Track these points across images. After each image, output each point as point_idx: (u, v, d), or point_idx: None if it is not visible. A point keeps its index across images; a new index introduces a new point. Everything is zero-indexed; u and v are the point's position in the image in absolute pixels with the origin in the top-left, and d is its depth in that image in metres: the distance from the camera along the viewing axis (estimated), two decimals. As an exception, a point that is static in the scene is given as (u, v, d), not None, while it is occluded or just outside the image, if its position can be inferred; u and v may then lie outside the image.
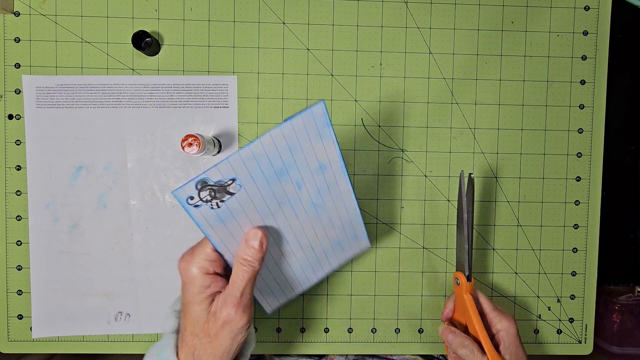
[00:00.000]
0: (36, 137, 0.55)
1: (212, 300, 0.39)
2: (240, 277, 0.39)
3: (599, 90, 0.58)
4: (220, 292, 0.39)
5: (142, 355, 0.59)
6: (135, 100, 0.56)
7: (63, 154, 0.56)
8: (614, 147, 0.60)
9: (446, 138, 0.58)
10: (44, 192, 0.56)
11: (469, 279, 0.51)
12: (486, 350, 0.48)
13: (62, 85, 0.55)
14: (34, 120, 0.55)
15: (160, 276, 0.57)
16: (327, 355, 0.62)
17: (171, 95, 0.56)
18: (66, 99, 0.55)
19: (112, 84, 0.55)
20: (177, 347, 0.40)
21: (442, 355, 0.65)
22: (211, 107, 0.56)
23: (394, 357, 0.62)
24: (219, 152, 0.56)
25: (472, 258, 0.53)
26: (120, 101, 0.56)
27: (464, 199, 0.50)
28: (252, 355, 0.63)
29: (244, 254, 0.39)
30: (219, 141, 0.55)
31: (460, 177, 0.50)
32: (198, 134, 0.49)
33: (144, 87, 0.56)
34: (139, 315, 0.57)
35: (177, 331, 0.42)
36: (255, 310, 0.57)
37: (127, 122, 0.56)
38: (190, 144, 0.49)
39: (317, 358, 0.63)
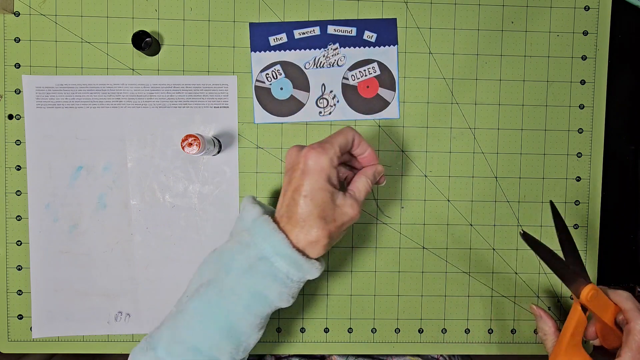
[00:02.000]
0: (36, 137, 0.55)
1: (334, 192, 0.44)
2: (364, 188, 0.46)
3: (599, 90, 0.58)
4: (336, 187, 0.45)
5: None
6: (135, 100, 0.56)
7: (63, 154, 0.56)
8: (614, 147, 0.60)
9: (446, 138, 0.58)
10: (44, 192, 0.56)
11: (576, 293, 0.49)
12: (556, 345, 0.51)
13: (62, 85, 0.55)
14: (34, 120, 0.55)
15: (160, 276, 0.57)
16: (329, 355, 0.62)
17: (171, 95, 0.56)
18: (66, 99, 0.55)
19: (112, 84, 0.55)
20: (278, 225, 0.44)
21: (441, 355, 0.65)
22: (211, 107, 0.56)
23: (394, 357, 0.62)
24: (219, 152, 0.56)
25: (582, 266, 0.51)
26: (120, 101, 0.56)
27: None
28: (252, 355, 0.63)
29: (371, 175, 0.48)
30: (219, 141, 0.55)
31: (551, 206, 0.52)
32: (198, 134, 0.49)
33: (144, 87, 0.56)
34: (139, 315, 0.57)
35: (270, 213, 0.46)
36: (255, 310, 0.58)
37: (127, 122, 0.56)
38: (190, 144, 0.49)
39: (318, 358, 0.63)
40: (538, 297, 0.59)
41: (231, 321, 0.43)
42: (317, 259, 0.45)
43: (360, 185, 0.47)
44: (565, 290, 0.59)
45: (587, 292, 0.48)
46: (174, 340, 0.43)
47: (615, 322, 0.50)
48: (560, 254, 0.51)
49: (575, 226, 0.59)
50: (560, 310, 0.59)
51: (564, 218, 0.59)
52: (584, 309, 0.50)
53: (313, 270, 0.44)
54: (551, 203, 0.52)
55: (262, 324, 0.46)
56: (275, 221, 0.44)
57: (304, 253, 0.44)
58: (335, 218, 0.44)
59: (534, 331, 0.59)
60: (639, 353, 0.46)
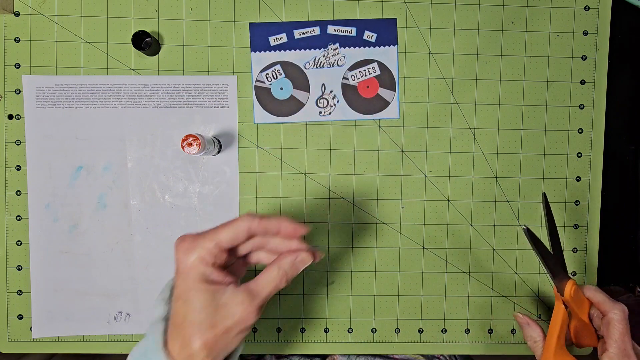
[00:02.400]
0: (36, 137, 0.55)
1: (216, 290, 0.37)
2: (272, 282, 0.39)
3: (599, 90, 0.58)
4: (222, 283, 0.38)
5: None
6: (135, 100, 0.56)
7: (63, 154, 0.56)
8: (614, 147, 0.60)
9: (446, 138, 0.58)
10: (44, 192, 0.56)
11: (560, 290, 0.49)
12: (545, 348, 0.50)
13: (62, 85, 0.55)
14: (34, 120, 0.55)
15: (160, 276, 0.57)
16: (330, 355, 0.62)
17: (171, 95, 0.56)
18: (66, 99, 0.55)
19: (112, 84, 0.55)
20: (164, 335, 0.38)
21: (442, 355, 0.65)
22: (211, 107, 0.56)
23: (395, 357, 0.62)
24: (219, 152, 0.56)
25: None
26: (120, 101, 0.56)
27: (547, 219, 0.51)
28: (252, 355, 0.63)
29: (287, 265, 0.39)
30: (219, 141, 0.55)
31: (543, 198, 0.51)
32: (198, 134, 0.49)
33: (144, 87, 0.56)
34: (139, 315, 0.57)
35: (165, 319, 0.40)
36: (255, 310, 0.58)
37: (127, 122, 0.56)
38: (190, 144, 0.49)
39: (319, 358, 0.63)
40: (538, 297, 0.59)
41: None
42: None
43: (264, 279, 0.39)
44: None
45: (570, 287, 0.48)
46: None
47: (589, 318, 0.51)
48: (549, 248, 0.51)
49: (575, 226, 0.59)
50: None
51: (564, 217, 0.59)
52: (566, 307, 0.50)
53: None
54: (544, 196, 0.51)
55: None
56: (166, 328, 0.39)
57: None
58: (217, 322, 0.36)
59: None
60: (622, 342, 0.46)
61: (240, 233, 0.38)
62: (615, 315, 0.47)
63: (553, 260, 0.49)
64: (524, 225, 0.45)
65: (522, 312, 0.57)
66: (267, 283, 0.39)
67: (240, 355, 0.64)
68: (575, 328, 0.52)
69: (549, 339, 0.50)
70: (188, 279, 0.37)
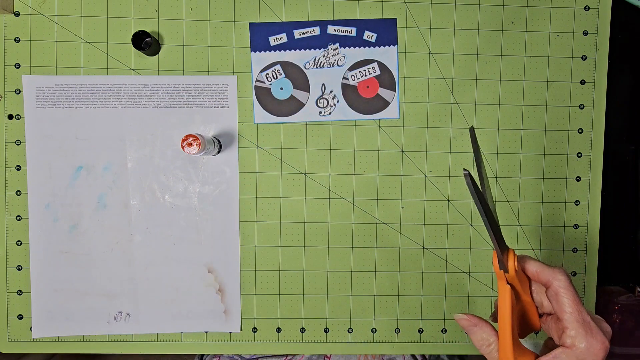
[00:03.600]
0: (36, 137, 0.55)
1: None
2: None
3: (599, 90, 0.58)
4: None
5: (143, 356, 0.60)
6: (135, 100, 0.56)
7: (63, 154, 0.56)
8: (614, 147, 0.60)
9: (446, 138, 0.58)
10: (44, 192, 0.56)
11: (500, 264, 0.39)
12: (500, 349, 0.39)
13: (62, 85, 0.55)
14: (34, 120, 0.55)
15: (160, 276, 0.57)
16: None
17: (171, 95, 0.56)
18: (66, 99, 0.55)
19: (112, 84, 0.55)
20: None
21: (435, 355, 0.65)
22: (211, 107, 0.56)
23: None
24: (219, 152, 0.56)
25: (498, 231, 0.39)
26: (120, 101, 0.56)
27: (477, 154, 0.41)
28: (251, 355, 0.63)
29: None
30: (219, 141, 0.55)
31: (470, 133, 0.41)
32: (198, 134, 0.49)
33: (144, 87, 0.56)
34: (139, 315, 0.57)
35: None
36: (255, 310, 0.58)
37: (127, 122, 0.56)
38: (190, 144, 0.49)
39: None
40: (538, 297, 0.59)
41: None
42: None
43: None
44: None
45: (513, 259, 0.39)
46: None
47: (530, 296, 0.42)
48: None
49: (575, 226, 0.59)
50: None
51: (564, 217, 0.59)
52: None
53: None
54: (472, 130, 0.41)
55: None
56: None
57: None
58: None
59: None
60: (578, 313, 0.37)
61: None
62: (560, 282, 0.38)
63: (496, 223, 0.39)
64: (465, 170, 0.34)
65: (463, 312, 0.46)
66: None
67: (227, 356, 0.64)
68: (519, 313, 0.42)
69: (502, 335, 0.39)
70: None
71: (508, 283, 0.39)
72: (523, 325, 0.43)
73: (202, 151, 0.50)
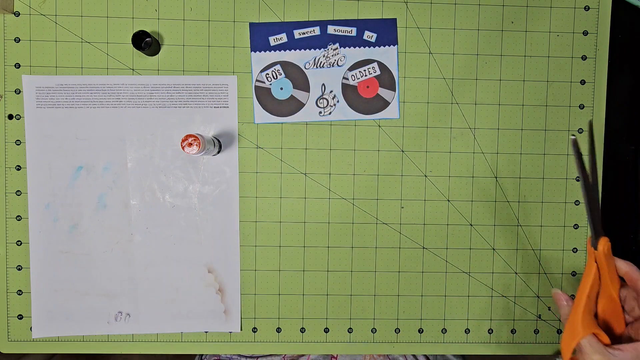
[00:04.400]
0: (36, 137, 0.55)
1: None
2: None
3: (599, 90, 0.58)
4: None
5: (142, 356, 0.60)
6: (135, 100, 0.56)
7: (63, 154, 0.56)
8: (614, 147, 0.60)
9: (446, 138, 0.58)
10: (44, 192, 0.56)
11: (594, 245, 0.43)
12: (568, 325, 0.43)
13: (62, 85, 0.55)
14: (34, 120, 0.55)
15: (160, 276, 0.57)
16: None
17: (171, 95, 0.56)
18: (66, 99, 0.55)
19: (112, 84, 0.55)
20: None
21: (441, 355, 0.66)
22: (211, 107, 0.56)
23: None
24: (219, 152, 0.56)
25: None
26: (120, 101, 0.56)
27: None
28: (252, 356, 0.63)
29: None
30: (219, 141, 0.55)
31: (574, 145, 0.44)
32: (198, 134, 0.49)
33: (144, 87, 0.56)
34: (139, 315, 0.57)
35: None
36: (255, 310, 0.58)
37: (127, 122, 0.56)
38: (190, 144, 0.49)
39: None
40: (538, 297, 0.59)
41: None
42: None
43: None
44: (565, 291, 0.59)
45: (604, 243, 0.43)
46: None
47: (619, 298, 0.45)
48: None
49: (575, 226, 0.59)
50: (560, 310, 0.59)
51: (564, 217, 0.59)
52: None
53: None
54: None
55: None
56: None
57: None
58: None
59: (534, 331, 0.59)
60: None
61: None
62: None
63: (596, 205, 0.43)
64: (573, 136, 0.39)
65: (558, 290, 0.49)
66: None
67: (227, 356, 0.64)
68: (603, 309, 0.45)
69: (578, 298, 0.43)
70: None
71: (595, 262, 0.44)
72: (608, 321, 0.46)
73: (202, 151, 0.50)
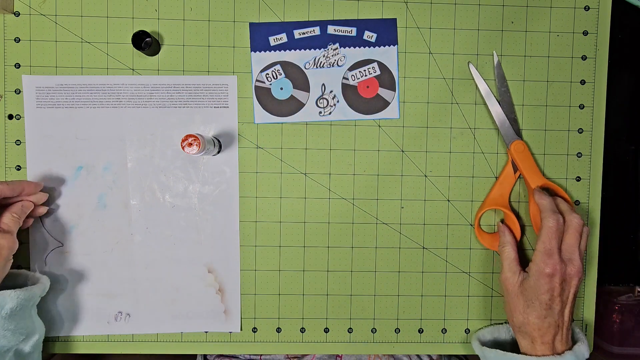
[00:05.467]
0: (36, 137, 0.55)
1: None
2: (10, 221, 0.51)
3: (599, 90, 0.58)
4: None
5: (142, 356, 0.60)
6: (135, 100, 0.56)
7: (63, 154, 0.56)
8: (614, 147, 0.60)
9: (446, 138, 0.58)
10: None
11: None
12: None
13: (62, 85, 0.55)
14: (34, 120, 0.55)
15: (160, 276, 0.57)
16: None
17: (171, 95, 0.56)
18: (66, 99, 0.55)
19: (112, 84, 0.55)
20: None
21: (446, 356, 0.65)
22: (211, 107, 0.56)
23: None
24: (219, 152, 0.56)
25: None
26: (120, 101, 0.56)
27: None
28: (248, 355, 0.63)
29: (17, 209, 0.51)
30: (219, 141, 0.55)
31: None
32: (198, 134, 0.49)
33: (144, 87, 0.56)
34: (139, 315, 0.57)
35: None
36: (255, 310, 0.58)
37: (127, 122, 0.56)
38: (190, 144, 0.49)
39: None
40: (538, 297, 0.59)
41: None
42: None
43: (6, 219, 0.50)
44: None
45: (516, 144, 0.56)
46: None
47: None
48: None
49: (575, 226, 0.59)
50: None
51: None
52: (515, 169, 0.57)
53: (6, 300, 0.48)
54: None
55: None
56: None
57: None
58: None
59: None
60: (546, 255, 0.50)
61: None
62: (546, 221, 0.51)
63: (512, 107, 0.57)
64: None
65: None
66: (8, 222, 0.50)
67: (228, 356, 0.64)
68: (534, 214, 0.56)
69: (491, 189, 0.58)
70: None
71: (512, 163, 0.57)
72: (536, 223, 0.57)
73: (202, 151, 0.50)
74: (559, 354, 0.50)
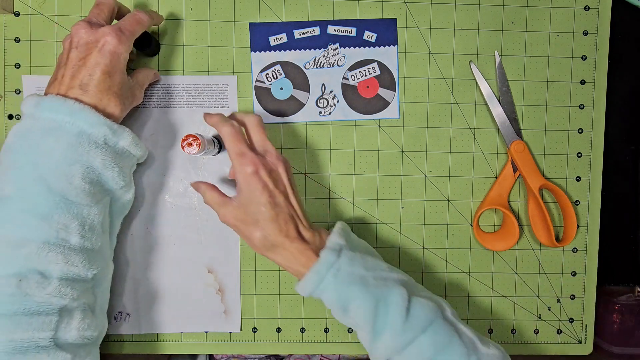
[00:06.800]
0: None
1: (125, 74, 0.49)
2: (143, 77, 0.53)
3: (599, 90, 0.58)
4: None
5: (142, 356, 0.60)
6: (135, 100, 0.56)
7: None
8: (614, 147, 0.60)
9: (446, 138, 0.58)
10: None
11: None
12: None
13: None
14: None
15: (160, 276, 0.57)
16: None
17: (171, 95, 0.56)
18: (66, 99, 0.55)
19: (112, 84, 0.55)
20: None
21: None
22: (211, 107, 0.56)
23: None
24: (219, 152, 0.56)
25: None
26: (120, 101, 0.55)
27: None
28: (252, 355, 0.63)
29: (150, 73, 0.54)
30: (219, 141, 0.55)
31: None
32: (198, 134, 0.49)
33: (144, 87, 0.56)
34: (139, 316, 0.57)
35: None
36: (255, 310, 0.58)
37: (128, 122, 0.56)
38: (190, 144, 0.49)
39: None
40: (538, 297, 0.59)
41: (61, 188, 0.44)
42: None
43: (140, 76, 0.52)
44: (565, 291, 0.59)
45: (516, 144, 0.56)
46: None
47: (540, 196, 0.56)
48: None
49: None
50: (560, 310, 0.59)
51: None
52: (515, 169, 0.57)
53: (124, 134, 0.48)
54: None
55: (95, 192, 0.46)
56: (63, 95, 0.46)
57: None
58: (128, 97, 0.49)
59: (534, 331, 0.59)
60: (239, 156, 0.47)
61: (145, 27, 0.50)
62: (224, 130, 0.48)
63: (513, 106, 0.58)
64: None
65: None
66: (142, 78, 0.52)
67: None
68: (532, 212, 0.58)
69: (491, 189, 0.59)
70: (119, 62, 0.47)
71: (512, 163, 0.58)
72: (534, 224, 0.58)
73: (202, 151, 0.50)
74: (314, 251, 0.47)
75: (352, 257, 0.48)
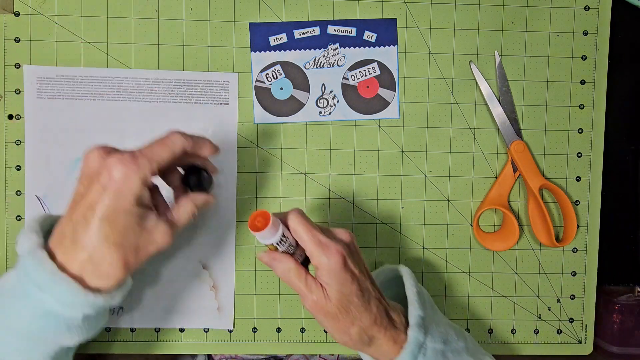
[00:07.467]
0: (36, 128, 0.55)
1: (144, 215, 0.38)
2: (186, 215, 0.42)
3: (599, 90, 0.58)
4: (150, 208, 0.39)
5: (142, 356, 0.59)
6: (136, 94, 0.56)
7: (62, 146, 0.55)
8: (614, 147, 0.60)
9: (446, 138, 0.58)
10: (41, 186, 0.55)
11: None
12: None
13: (63, 76, 0.55)
14: (34, 110, 0.55)
15: (154, 270, 0.56)
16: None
17: (172, 90, 0.56)
18: (67, 90, 0.55)
19: (113, 76, 0.55)
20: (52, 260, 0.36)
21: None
22: (211, 103, 0.56)
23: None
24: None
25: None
26: (121, 94, 0.55)
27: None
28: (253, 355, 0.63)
29: (201, 201, 0.43)
30: (210, 176, 0.48)
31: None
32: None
33: (145, 81, 0.56)
34: (133, 310, 0.56)
35: (42, 246, 0.38)
36: (255, 310, 0.58)
37: (128, 115, 0.56)
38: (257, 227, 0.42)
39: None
40: (538, 297, 0.59)
41: None
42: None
43: (183, 211, 0.41)
44: (565, 291, 0.59)
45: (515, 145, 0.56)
46: None
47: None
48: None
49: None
50: (560, 310, 0.59)
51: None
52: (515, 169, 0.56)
53: (113, 301, 0.39)
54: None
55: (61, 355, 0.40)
56: (50, 249, 0.37)
57: (95, 289, 0.37)
58: (140, 246, 0.38)
59: (534, 331, 0.59)
60: (311, 236, 0.41)
61: (176, 152, 0.39)
62: (293, 220, 0.42)
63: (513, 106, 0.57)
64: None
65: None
66: (184, 216, 0.41)
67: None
68: (532, 212, 0.58)
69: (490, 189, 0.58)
70: (125, 200, 0.36)
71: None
72: (534, 224, 0.58)
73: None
74: (403, 332, 0.42)
75: (432, 333, 0.43)
